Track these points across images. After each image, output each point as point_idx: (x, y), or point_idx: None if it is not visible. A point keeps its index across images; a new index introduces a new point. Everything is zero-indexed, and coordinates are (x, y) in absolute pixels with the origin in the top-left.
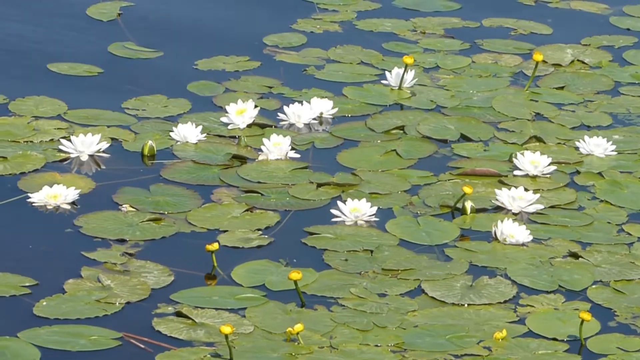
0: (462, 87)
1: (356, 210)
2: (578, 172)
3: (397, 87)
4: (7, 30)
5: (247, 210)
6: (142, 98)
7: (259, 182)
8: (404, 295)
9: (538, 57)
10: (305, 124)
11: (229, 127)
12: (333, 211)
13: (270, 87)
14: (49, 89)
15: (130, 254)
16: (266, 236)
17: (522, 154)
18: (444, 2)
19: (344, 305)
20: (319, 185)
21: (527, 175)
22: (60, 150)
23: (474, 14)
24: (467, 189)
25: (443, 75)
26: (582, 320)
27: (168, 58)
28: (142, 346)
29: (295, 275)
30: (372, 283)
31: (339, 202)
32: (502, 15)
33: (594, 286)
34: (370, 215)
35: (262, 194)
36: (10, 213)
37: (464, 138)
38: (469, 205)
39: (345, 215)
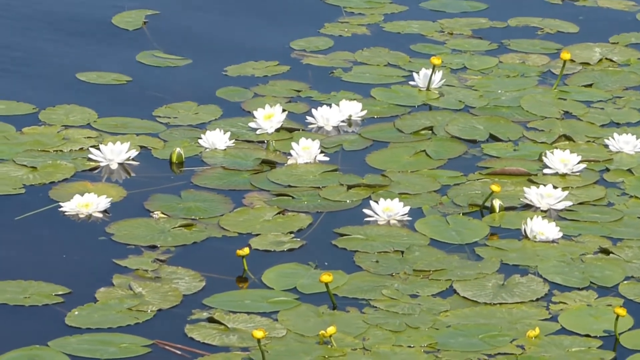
0: (490, 87)
1: (389, 209)
2: (607, 170)
3: (425, 88)
4: (36, 42)
5: (278, 213)
6: (173, 105)
7: (289, 186)
8: (436, 296)
9: (566, 55)
10: (334, 127)
11: (257, 132)
12: (366, 211)
13: (299, 91)
14: (78, 98)
15: (162, 261)
16: (298, 239)
17: (552, 152)
18: (471, 2)
19: (376, 307)
20: (350, 187)
21: (556, 174)
22: (90, 159)
23: (501, 14)
24: (495, 188)
25: (471, 76)
26: (617, 316)
27: (197, 65)
28: (179, 352)
29: (327, 277)
30: (404, 284)
31: (371, 202)
32: (528, 14)
33: (625, 282)
34: (402, 215)
35: (293, 197)
36: (42, 223)
37: (493, 138)
38: (497, 203)
39: (377, 215)
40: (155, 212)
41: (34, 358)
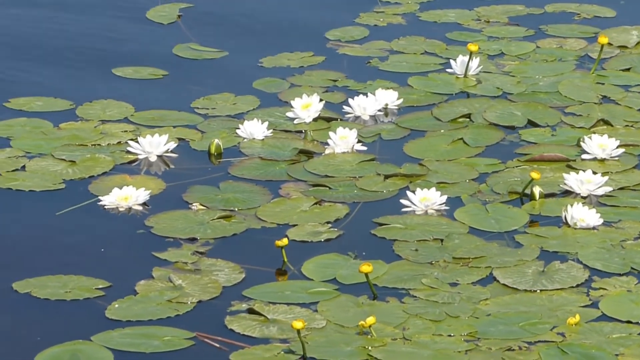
0: (528, 72)
1: (426, 199)
2: None
3: (462, 75)
4: (71, 39)
5: (315, 203)
6: (211, 97)
7: (326, 176)
8: (476, 284)
9: (603, 39)
10: (370, 116)
11: (295, 121)
12: (403, 201)
13: (335, 81)
14: (115, 93)
15: (201, 253)
16: (335, 229)
17: (590, 137)
18: None
19: (415, 297)
20: (387, 176)
21: (595, 159)
22: (129, 152)
23: (537, 0)
24: (535, 175)
25: (508, 62)
26: None
27: (232, 57)
28: (218, 345)
29: (366, 267)
30: (443, 273)
31: (408, 192)
32: (565, 0)
33: None
34: (440, 204)
35: (329, 187)
36: (82, 217)
37: (531, 124)
38: (537, 190)
39: (415, 205)
40: (194, 204)
41: (76, 353)
